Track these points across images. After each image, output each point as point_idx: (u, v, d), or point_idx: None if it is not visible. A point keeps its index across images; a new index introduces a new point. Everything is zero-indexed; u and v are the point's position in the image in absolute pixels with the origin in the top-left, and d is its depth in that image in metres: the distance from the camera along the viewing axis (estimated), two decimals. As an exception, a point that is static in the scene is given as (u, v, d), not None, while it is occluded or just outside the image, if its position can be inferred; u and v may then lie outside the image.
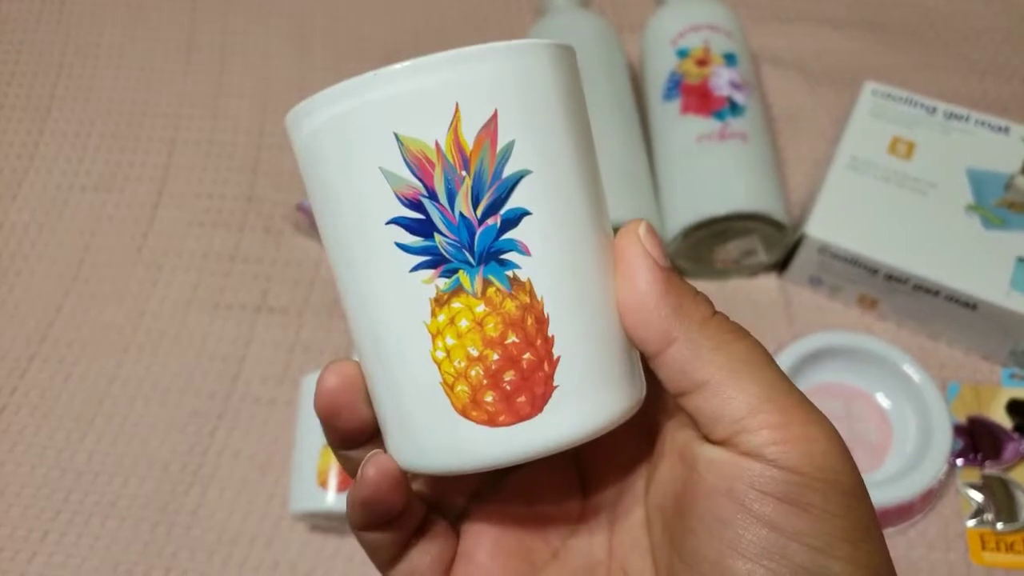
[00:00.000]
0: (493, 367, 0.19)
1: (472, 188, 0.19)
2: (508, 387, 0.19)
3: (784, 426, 0.18)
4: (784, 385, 0.19)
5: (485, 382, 0.19)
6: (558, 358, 0.19)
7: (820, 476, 0.18)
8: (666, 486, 0.22)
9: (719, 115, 0.46)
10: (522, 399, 0.19)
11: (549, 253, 0.19)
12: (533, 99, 0.19)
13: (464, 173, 0.18)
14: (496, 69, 0.19)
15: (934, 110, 0.47)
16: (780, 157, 0.52)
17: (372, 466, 0.20)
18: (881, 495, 0.37)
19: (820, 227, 0.44)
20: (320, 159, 0.20)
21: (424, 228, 0.19)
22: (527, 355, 0.19)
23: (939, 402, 0.40)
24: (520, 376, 0.19)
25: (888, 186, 0.45)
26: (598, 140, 0.21)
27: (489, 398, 0.19)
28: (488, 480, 0.24)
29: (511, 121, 0.19)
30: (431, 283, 0.19)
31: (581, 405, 0.20)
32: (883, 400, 0.42)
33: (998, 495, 0.39)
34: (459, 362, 0.19)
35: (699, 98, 0.47)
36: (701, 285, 0.48)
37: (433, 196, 0.19)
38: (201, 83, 0.58)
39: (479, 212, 0.19)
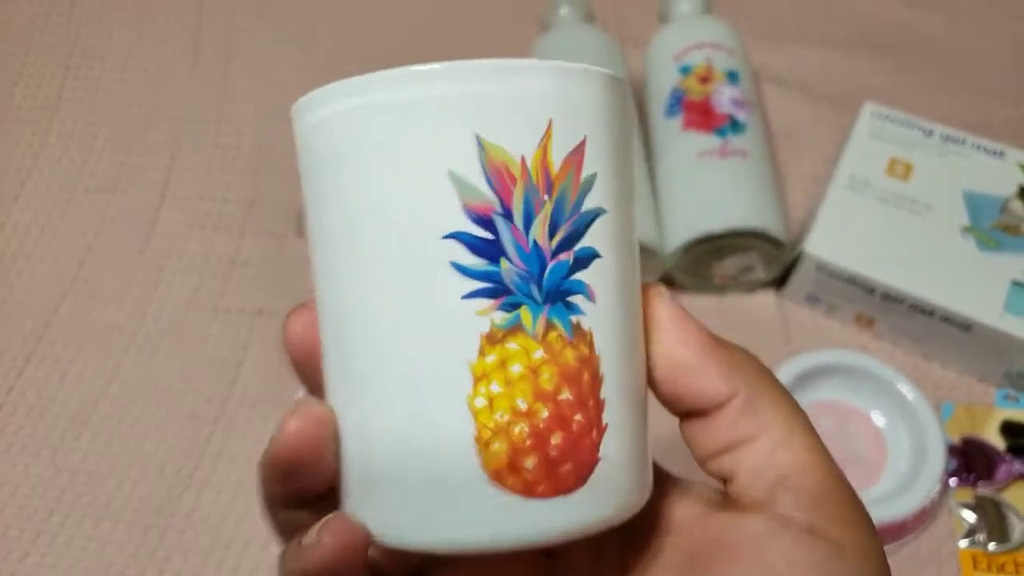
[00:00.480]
0: (541, 425, 0.16)
1: (552, 216, 0.16)
2: (554, 452, 0.16)
3: (824, 492, 0.18)
4: (827, 452, 0.19)
5: (529, 442, 0.16)
6: (606, 425, 0.17)
7: (854, 549, 0.17)
8: (662, 567, 0.20)
9: (720, 132, 0.47)
10: (567, 468, 0.17)
11: (612, 305, 0.17)
12: (618, 133, 0.18)
13: (546, 197, 0.16)
14: (594, 94, 0.17)
15: (931, 132, 0.48)
16: (780, 175, 0.53)
17: (332, 534, 0.17)
18: (875, 514, 0.37)
19: (818, 245, 0.45)
20: (356, 149, 0.17)
21: (490, 250, 0.16)
22: (578, 416, 0.17)
23: (933, 422, 0.40)
24: (569, 441, 0.17)
25: (885, 206, 0.45)
26: None
27: (530, 463, 0.16)
28: None
29: (597, 152, 0.17)
30: (487, 315, 0.16)
31: (619, 483, 0.17)
32: (878, 419, 0.42)
33: (990, 516, 0.40)
34: (502, 415, 0.16)
35: (701, 115, 0.48)
36: (699, 300, 0.48)
37: (508, 215, 0.16)
38: (206, 86, 0.58)
39: (554, 244, 0.16)
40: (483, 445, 0.16)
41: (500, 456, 0.16)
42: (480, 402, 0.16)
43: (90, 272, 0.51)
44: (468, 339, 0.16)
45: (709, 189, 0.46)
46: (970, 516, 0.40)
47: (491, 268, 0.16)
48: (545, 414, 0.16)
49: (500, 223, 0.16)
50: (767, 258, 0.46)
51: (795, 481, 0.18)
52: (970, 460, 0.41)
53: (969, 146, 0.47)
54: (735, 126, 0.47)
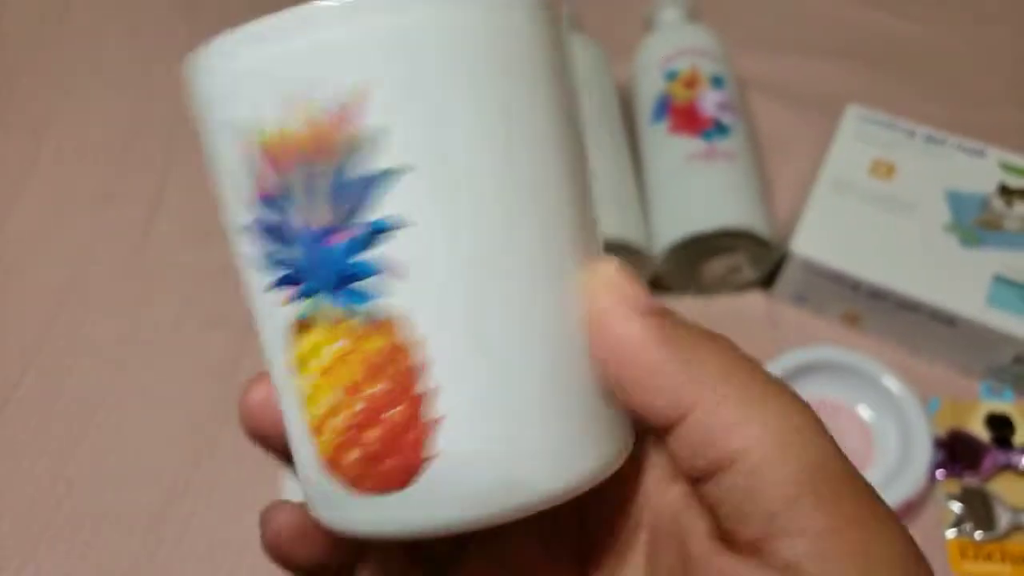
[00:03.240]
0: (357, 419, 0.15)
1: (332, 186, 0.15)
2: (374, 447, 0.15)
3: (836, 531, 0.13)
4: (842, 465, 0.14)
5: (349, 435, 0.16)
6: (439, 418, 0.15)
7: None
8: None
9: (706, 135, 0.47)
10: (389, 464, 0.15)
11: (441, 279, 0.15)
12: (421, 70, 0.14)
13: (324, 165, 0.15)
14: (366, 25, 0.14)
15: (913, 133, 0.49)
16: (765, 178, 0.54)
17: (262, 524, 0.20)
18: (864, 505, 0.38)
19: (804, 245, 0.45)
20: (201, 121, 0.17)
21: (279, 235, 0.15)
22: (392, 412, 0.15)
23: (919, 415, 0.41)
24: (386, 436, 0.15)
25: (870, 206, 0.46)
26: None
27: (353, 456, 0.16)
28: (445, 545, 0.20)
29: (389, 98, 0.14)
30: (290, 306, 0.16)
31: (473, 480, 0.15)
32: (865, 413, 0.43)
33: (977, 506, 0.40)
34: (322, 405, 0.16)
35: (687, 119, 0.48)
36: (688, 302, 0.49)
37: (287, 195, 0.15)
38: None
39: (330, 220, 0.15)
40: (316, 432, 0.16)
41: (328, 446, 0.16)
42: (306, 390, 0.16)
43: (84, 285, 0.51)
44: (282, 331, 0.16)
45: (696, 191, 0.46)
46: (957, 507, 0.40)
47: (281, 255, 0.16)
48: (359, 406, 0.15)
49: (284, 203, 0.15)
50: (754, 258, 0.47)
51: (794, 518, 0.14)
52: (956, 452, 0.42)
53: (950, 146, 0.48)
54: (721, 129, 0.48)
